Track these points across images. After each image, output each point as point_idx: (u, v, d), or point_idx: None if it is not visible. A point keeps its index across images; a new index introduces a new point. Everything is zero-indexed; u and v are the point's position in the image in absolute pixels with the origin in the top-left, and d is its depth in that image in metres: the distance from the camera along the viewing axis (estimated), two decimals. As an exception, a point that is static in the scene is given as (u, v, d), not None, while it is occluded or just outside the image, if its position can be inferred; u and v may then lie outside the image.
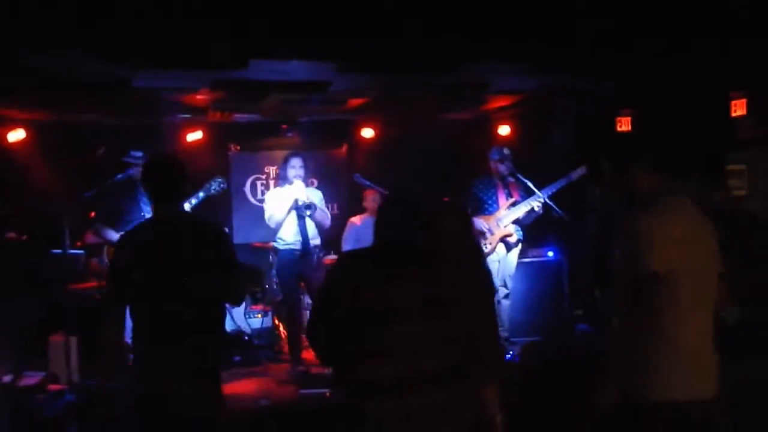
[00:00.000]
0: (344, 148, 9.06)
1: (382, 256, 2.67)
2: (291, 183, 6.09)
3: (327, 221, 6.26)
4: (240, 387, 5.76)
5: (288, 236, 6.13)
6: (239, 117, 8.12)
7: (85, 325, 5.71)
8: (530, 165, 6.80)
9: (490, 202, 6.57)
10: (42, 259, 6.64)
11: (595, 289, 6.90)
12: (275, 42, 4.98)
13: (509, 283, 6.67)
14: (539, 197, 6.40)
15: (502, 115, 8.32)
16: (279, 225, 6.11)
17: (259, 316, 7.21)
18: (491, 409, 2.87)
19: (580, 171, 6.49)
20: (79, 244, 6.69)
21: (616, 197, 3.30)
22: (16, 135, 7.40)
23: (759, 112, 5.74)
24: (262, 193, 8.55)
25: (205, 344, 3.39)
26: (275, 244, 6.24)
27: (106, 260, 5.76)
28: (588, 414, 2.97)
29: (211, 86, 6.25)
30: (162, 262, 3.32)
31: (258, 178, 8.89)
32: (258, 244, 7.54)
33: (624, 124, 6.81)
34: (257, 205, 8.16)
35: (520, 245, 6.68)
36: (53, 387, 5.40)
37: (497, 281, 6.53)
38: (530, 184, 6.44)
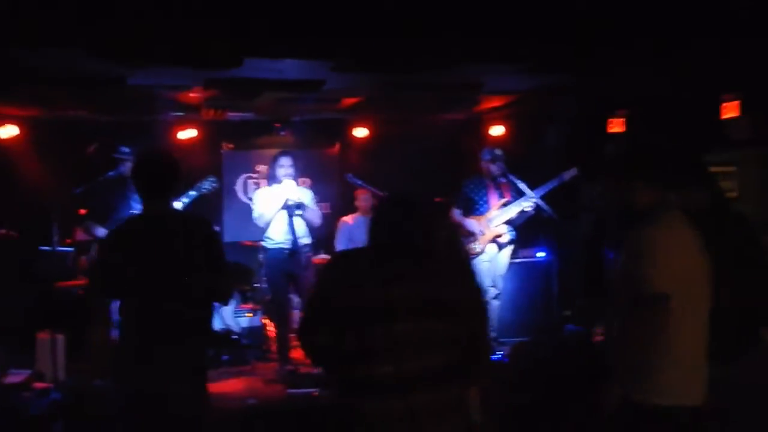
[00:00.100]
0: (337, 147, 9.05)
1: (381, 255, 2.66)
2: (280, 182, 6.07)
3: (317, 220, 6.24)
4: (228, 386, 5.75)
5: (277, 235, 6.11)
6: (233, 115, 8.12)
7: (72, 323, 5.69)
8: (522, 166, 6.79)
9: (481, 202, 6.56)
10: (31, 256, 6.61)
11: (580, 297, 6.92)
12: (269, 40, 4.97)
13: (499, 284, 6.66)
14: (531, 198, 6.39)
15: (495, 116, 8.32)
16: (268, 224, 6.09)
17: (248, 315, 7.19)
18: (474, 414, 2.87)
19: (572, 172, 6.49)
20: (68, 241, 6.66)
21: (613, 204, 3.33)
22: (9, 131, 7.38)
23: (751, 113, 5.74)
24: (254, 192, 8.53)
25: (192, 343, 3.37)
26: (264, 243, 6.22)
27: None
28: (591, 415, 3.03)
29: (204, 84, 6.24)
30: (152, 258, 3.29)
31: (250, 177, 8.88)
32: (248, 243, 7.52)
33: (616, 125, 6.80)
34: (248, 204, 8.14)
35: (511, 246, 6.67)
36: (39, 385, 5.38)
37: (488, 281, 6.53)
38: (522, 185, 6.43)
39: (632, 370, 2.88)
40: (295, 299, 6.61)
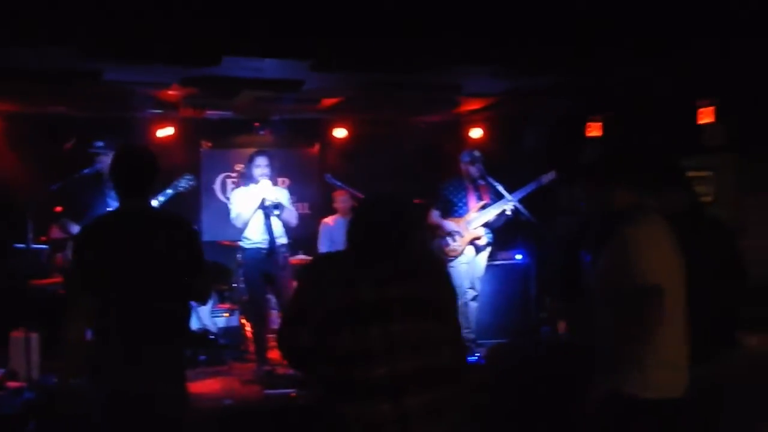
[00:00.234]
0: (316, 147, 9.03)
1: (365, 256, 2.65)
2: (256, 182, 6.04)
3: (294, 220, 6.23)
4: (204, 386, 5.71)
5: (254, 235, 6.09)
6: (211, 114, 8.08)
7: (47, 321, 5.63)
8: (501, 168, 6.82)
9: (460, 204, 6.58)
10: (5, 253, 6.53)
11: (548, 294, 6.97)
12: (248, 39, 4.96)
13: (477, 286, 6.68)
14: (509, 201, 6.42)
15: (474, 118, 8.35)
16: (245, 224, 6.07)
17: (226, 315, 7.15)
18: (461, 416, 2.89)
19: (551, 175, 6.52)
20: (43, 238, 6.59)
21: (589, 206, 3.38)
22: (-17, 127, 7.29)
23: (726, 119, 5.81)
24: (232, 191, 8.50)
25: (171, 342, 3.34)
26: (242, 243, 6.20)
27: (70, 255, 5.66)
28: (580, 409, 3.08)
29: (183, 82, 6.20)
30: (128, 256, 3.25)
31: (229, 176, 8.84)
32: (226, 243, 7.48)
33: (595, 129, 6.85)
34: (227, 203, 8.10)
35: (489, 248, 6.69)
36: (12, 384, 5.32)
37: (466, 283, 6.55)
38: (500, 188, 6.46)
39: (621, 365, 2.94)
40: (273, 299, 6.59)
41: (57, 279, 6.15)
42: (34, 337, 5.52)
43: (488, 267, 6.81)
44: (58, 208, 6.08)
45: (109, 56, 5.08)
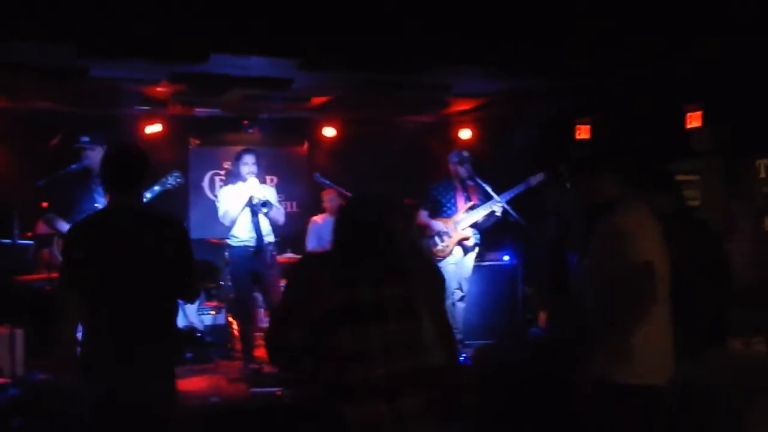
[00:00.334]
0: (305, 146, 9.02)
1: (354, 255, 2.64)
2: (244, 180, 6.03)
3: (281, 218, 6.22)
4: (191, 384, 5.68)
5: (242, 233, 6.08)
6: (200, 111, 8.04)
7: (32, 317, 5.60)
8: (490, 169, 6.84)
9: (448, 204, 6.60)
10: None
11: (530, 288, 7.00)
12: (236, 36, 4.95)
13: (465, 286, 6.69)
14: (497, 202, 6.44)
15: (464, 119, 8.37)
16: (233, 222, 6.06)
17: (212, 312, 7.14)
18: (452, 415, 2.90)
19: (539, 177, 6.55)
20: (29, 234, 6.54)
21: (577, 203, 3.43)
22: (-31, 122, 7.23)
23: (713, 124, 5.85)
24: (221, 189, 8.47)
25: (161, 340, 3.32)
26: (229, 241, 6.18)
27: (57, 251, 5.63)
28: (570, 395, 3.15)
29: (170, 78, 6.17)
30: (118, 254, 3.23)
31: (217, 174, 8.80)
32: (214, 240, 7.46)
33: (583, 132, 6.89)
34: (215, 201, 8.08)
35: (476, 249, 6.71)
36: (-4, 380, 5.28)
37: (454, 284, 6.56)
38: (489, 189, 6.47)
39: (609, 353, 3.00)
40: (260, 298, 6.57)
41: (43, 275, 6.10)
42: (19, 333, 5.48)
43: (476, 268, 6.82)
44: (44, 204, 6.04)
45: (97, 53, 5.05)
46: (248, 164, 6.06)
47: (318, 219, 7.65)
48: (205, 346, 6.63)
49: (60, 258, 5.52)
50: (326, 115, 8.34)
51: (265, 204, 6.04)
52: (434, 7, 4.93)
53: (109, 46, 4.94)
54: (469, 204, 6.57)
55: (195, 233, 7.73)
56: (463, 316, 6.70)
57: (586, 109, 6.89)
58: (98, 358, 3.23)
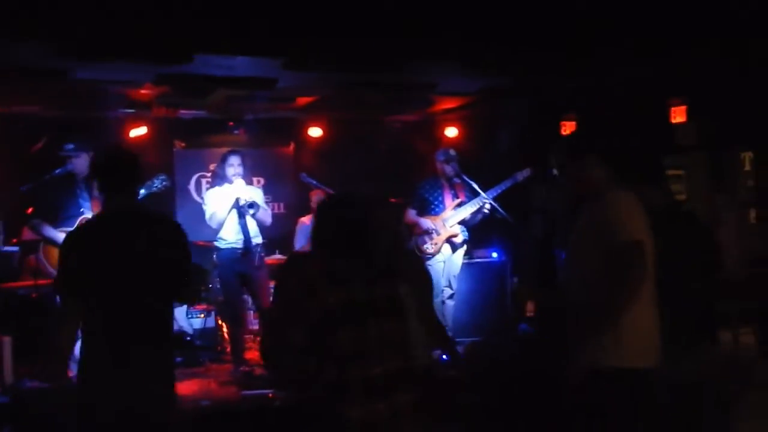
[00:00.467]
0: (291, 146, 8.99)
1: (340, 254, 2.64)
2: (230, 182, 6.01)
3: (269, 219, 6.21)
4: (182, 388, 5.62)
5: (229, 235, 6.06)
6: (184, 113, 8.01)
7: (19, 324, 5.56)
8: (477, 166, 6.85)
9: (436, 202, 6.62)
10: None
11: (516, 279, 7.02)
12: (220, 37, 4.93)
13: (454, 284, 6.71)
14: (485, 198, 6.46)
15: (449, 117, 8.38)
16: (220, 224, 6.03)
17: (202, 316, 7.10)
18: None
19: (526, 172, 6.58)
20: (15, 240, 6.49)
21: (564, 195, 3.44)
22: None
23: (697, 119, 5.88)
24: (207, 191, 8.43)
25: (159, 344, 3.31)
26: (217, 244, 6.16)
27: (42, 257, 5.59)
28: (560, 390, 3.17)
29: (154, 80, 6.14)
30: (115, 257, 3.21)
31: (203, 176, 8.74)
32: (201, 243, 7.42)
33: (568, 128, 6.91)
34: (202, 203, 8.05)
35: (465, 246, 6.72)
36: (-16, 388, 5.24)
37: (443, 281, 6.58)
38: (475, 186, 6.49)
39: (598, 338, 3.00)
40: (249, 300, 6.56)
41: (29, 282, 6.05)
42: (7, 340, 5.42)
43: (464, 265, 6.84)
44: (29, 210, 6.00)
45: (79, 54, 5.02)
46: (234, 166, 6.04)
47: (306, 220, 7.63)
48: (195, 350, 6.61)
49: (46, 264, 5.53)
50: (312, 115, 8.33)
51: (252, 205, 6.02)
52: (417, 6, 4.94)
53: (92, 47, 4.91)
54: (457, 201, 6.59)
55: (182, 236, 7.71)
56: (452, 313, 6.71)
57: (571, 105, 6.91)
58: (96, 363, 3.21)
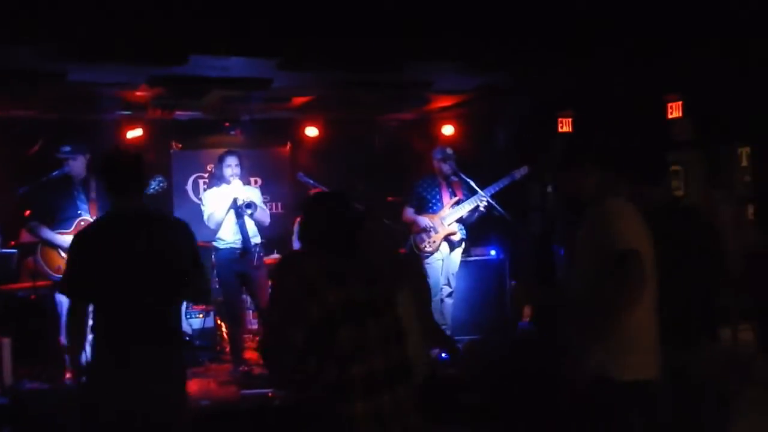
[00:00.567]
0: (288, 146, 8.99)
1: (334, 252, 2.64)
2: (228, 182, 6.01)
3: (266, 219, 6.21)
4: (181, 388, 5.66)
5: (227, 236, 6.06)
6: (180, 114, 8.00)
7: (18, 326, 5.56)
8: (474, 164, 6.86)
9: (434, 201, 6.62)
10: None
11: (514, 281, 7.03)
12: (214, 37, 4.93)
13: (452, 282, 6.71)
14: (482, 196, 6.47)
15: (446, 115, 8.37)
16: (218, 225, 6.03)
17: (201, 316, 7.10)
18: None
19: (523, 170, 6.59)
20: (13, 243, 6.49)
21: (560, 196, 3.46)
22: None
23: (693, 115, 5.89)
24: (204, 192, 8.42)
25: (169, 343, 3.32)
26: (215, 244, 6.16)
27: (40, 259, 5.59)
28: (559, 391, 3.19)
29: (149, 82, 6.13)
30: (124, 258, 3.23)
31: (200, 177, 8.72)
32: (200, 243, 7.40)
33: (565, 125, 6.91)
34: (199, 204, 8.04)
35: (463, 244, 6.73)
36: (-16, 390, 5.24)
37: (441, 280, 6.59)
38: (473, 184, 6.49)
39: (600, 350, 3.00)
40: (248, 300, 6.56)
41: (27, 284, 6.05)
42: (6, 342, 5.43)
43: (463, 263, 6.85)
44: (27, 212, 5.99)
45: (74, 56, 5.02)
46: (231, 166, 6.04)
47: (303, 219, 7.62)
48: (195, 350, 6.61)
49: (44, 266, 5.53)
50: (308, 115, 8.32)
51: (249, 206, 6.02)
52: (413, 5, 4.94)
53: (87, 49, 4.90)
54: (455, 199, 6.60)
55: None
56: (451, 311, 6.71)
57: (568, 102, 6.91)
58: (107, 363, 3.22)
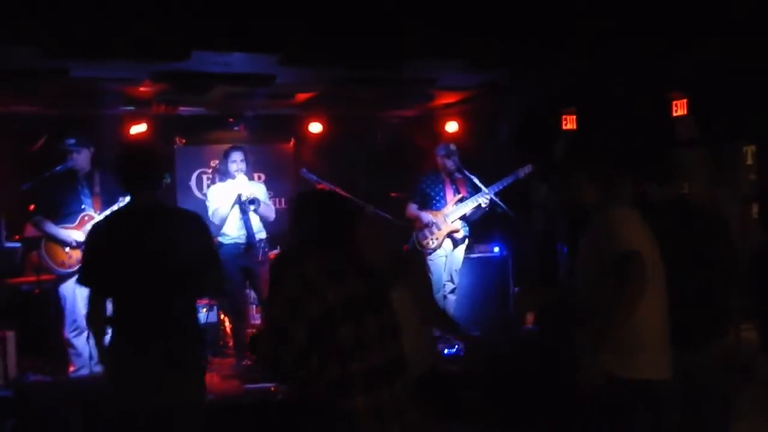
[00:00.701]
0: (291, 142, 9.00)
1: (330, 249, 2.65)
2: (233, 177, 6.03)
3: (272, 215, 6.22)
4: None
5: (232, 231, 6.07)
6: (184, 110, 8.00)
7: (23, 319, 5.58)
8: (477, 161, 6.86)
9: (437, 197, 6.62)
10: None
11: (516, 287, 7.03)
12: (217, 33, 4.94)
13: (455, 279, 6.72)
14: (486, 194, 6.46)
15: (450, 112, 8.37)
16: (223, 220, 6.04)
17: (204, 310, 7.10)
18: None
19: (527, 169, 6.58)
20: (17, 237, 6.51)
21: (559, 201, 3.48)
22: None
23: (697, 113, 5.88)
24: (208, 187, 8.42)
25: (185, 335, 3.35)
26: (220, 239, 6.16)
27: (44, 254, 5.60)
28: (571, 393, 3.16)
29: (153, 78, 6.14)
30: (140, 251, 3.25)
31: (204, 172, 8.74)
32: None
33: (569, 122, 6.90)
34: (203, 200, 8.04)
35: (466, 241, 6.73)
36: (-12, 383, 5.26)
37: (444, 276, 6.59)
38: (477, 181, 6.49)
39: (609, 349, 3.01)
40: (252, 294, 6.56)
41: (32, 278, 6.07)
42: (10, 335, 5.46)
43: (466, 260, 6.85)
44: (31, 207, 6.01)
45: (77, 53, 5.03)
46: (237, 161, 6.06)
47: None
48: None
49: (48, 260, 5.54)
50: (311, 111, 8.32)
51: (253, 201, 6.02)
52: (416, 2, 4.95)
53: (90, 45, 4.90)
54: (459, 196, 6.60)
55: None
56: (453, 308, 6.72)
57: (572, 99, 6.91)
58: (124, 355, 3.24)
